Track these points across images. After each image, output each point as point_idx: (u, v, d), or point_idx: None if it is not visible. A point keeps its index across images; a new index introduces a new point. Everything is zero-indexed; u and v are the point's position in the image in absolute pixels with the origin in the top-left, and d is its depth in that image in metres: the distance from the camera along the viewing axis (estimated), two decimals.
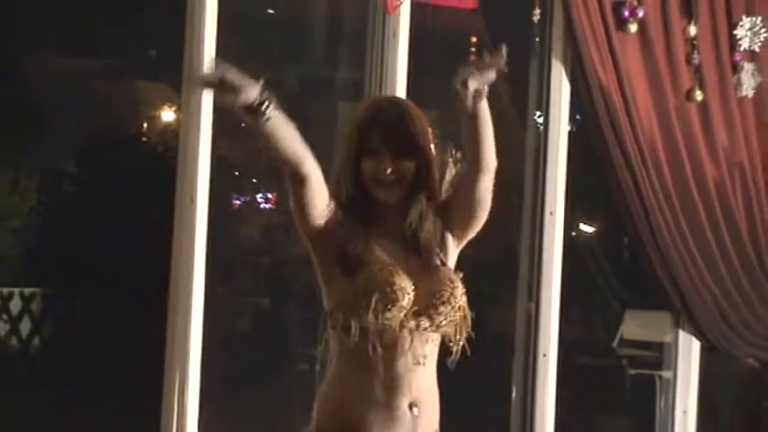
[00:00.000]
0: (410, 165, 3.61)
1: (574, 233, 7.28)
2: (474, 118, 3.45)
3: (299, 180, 3.52)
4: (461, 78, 3.34)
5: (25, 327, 9.91)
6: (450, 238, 3.71)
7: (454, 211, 3.71)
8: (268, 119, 3.37)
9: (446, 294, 3.56)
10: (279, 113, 3.38)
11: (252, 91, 3.35)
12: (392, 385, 3.56)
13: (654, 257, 6.32)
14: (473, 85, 3.34)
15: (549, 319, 6.31)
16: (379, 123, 3.66)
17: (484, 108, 3.45)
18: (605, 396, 7.50)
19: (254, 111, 3.38)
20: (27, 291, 9.72)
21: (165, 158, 6.06)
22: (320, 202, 3.58)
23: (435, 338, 3.59)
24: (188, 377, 5.58)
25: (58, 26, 7.91)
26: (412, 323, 3.54)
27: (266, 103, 3.36)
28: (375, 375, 3.57)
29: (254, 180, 7.64)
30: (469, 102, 3.35)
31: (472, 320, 3.59)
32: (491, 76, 3.38)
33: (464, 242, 3.77)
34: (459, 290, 3.59)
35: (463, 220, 3.72)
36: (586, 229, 7.56)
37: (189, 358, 5.58)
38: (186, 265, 5.57)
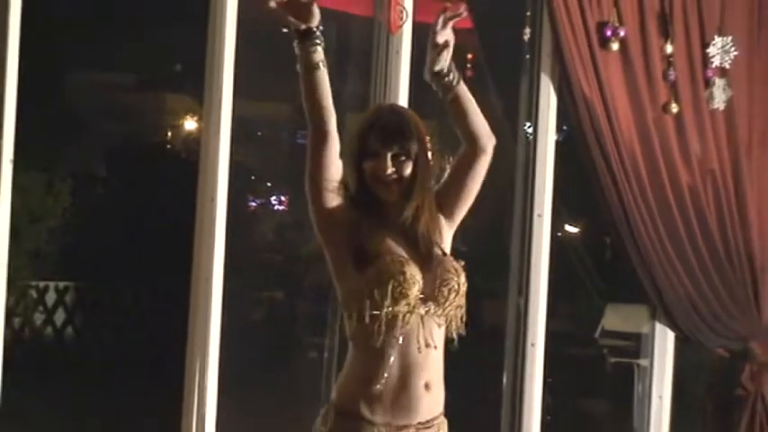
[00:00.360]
0: (409, 164, 3.61)
1: (560, 234, 7.28)
2: (456, 97, 3.60)
3: (322, 134, 3.58)
4: (432, 43, 3.57)
5: (59, 317, 9.90)
6: (443, 223, 3.74)
7: (450, 192, 3.76)
8: (315, 49, 3.54)
9: (452, 282, 3.58)
10: (323, 59, 3.53)
11: (313, 17, 3.52)
12: (409, 367, 3.58)
13: (633, 256, 6.32)
14: (442, 38, 3.58)
15: (537, 312, 6.31)
16: (379, 127, 3.68)
17: (463, 87, 3.61)
18: (588, 382, 7.50)
19: (308, 36, 3.54)
20: (61, 284, 9.71)
21: (188, 163, 6.05)
22: (334, 169, 3.62)
23: (442, 323, 3.61)
24: (208, 363, 5.59)
25: (93, 44, 7.90)
26: (422, 309, 3.55)
27: (319, 33, 3.52)
28: (392, 358, 3.57)
29: (269, 184, 7.64)
30: (447, 58, 3.58)
31: (468, 312, 3.62)
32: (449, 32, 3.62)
33: (456, 223, 3.80)
34: (463, 277, 3.62)
35: (459, 200, 3.77)
36: (571, 230, 7.57)
37: (209, 346, 5.58)
38: (206, 260, 5.58)
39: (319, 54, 3.57)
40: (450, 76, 3.68)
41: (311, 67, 3.60)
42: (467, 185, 3.76)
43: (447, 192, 3.78)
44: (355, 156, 3.68)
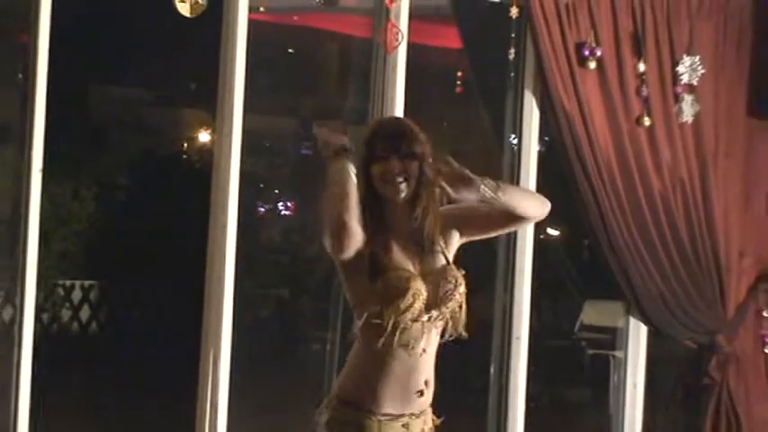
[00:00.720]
0: (414, 165, 3.57)
1: (542, 236, 7.27)
2: (503, 203, 3.52)
3: (343, 237, 3.49)
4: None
5: (84, 313, 9.89)
6: (456, 236, 3.70)
7: (479, 223, 3.71)
8: (347, 158, 3.48)
9: (454, 293, 3.56)
10: (353, 168, 3.48)
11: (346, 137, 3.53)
12: (410, 368, 3.55)
13: (609, 257, 6.31)
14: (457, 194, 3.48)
15: (521, 308, 6.30)
16: (383, 133, 3.66)
17: (507, 190, 3.54)
18: (568, 372, 7.49)
19: (345, 152, 3.49)
20: (86, 283, 9.70)
21: (202, 172, 6.05)
22: (355, 249, 3.54)
23: (440, 326, 3.59)
24: (220, 354, 5.57)
25: (117, 62, 7.92)
26: (424, 317, 3.53)
27: (348, 151, 3.48)
28: (395, 360, 3.55)
29: (276, 191, 7.63)
30: (470, 191, 3.45)
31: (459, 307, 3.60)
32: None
33: (468, 240, 3.75)
34: (462, 287, 3.59)
35: (482, 232, 3.74)
36: (553, 232, 7.57)
37: (221, 339, 5.57)
38: (219, 261, 5.56)
39: (348, 162, 3.57)
40: (486, 194, 3.56)
41: (348, 176, 3.56)
42: (494, 228, 3.77)
43: (476, 220, 3.73)
44: (363, 162, 3.64)
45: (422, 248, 3.60)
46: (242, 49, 5.54)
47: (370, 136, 3.66)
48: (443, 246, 3.64)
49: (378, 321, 3.49)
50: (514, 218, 3.62)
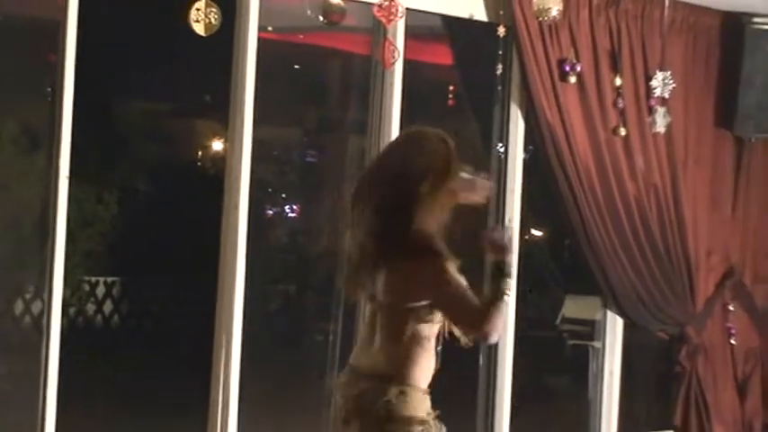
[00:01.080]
0: None
1: (527, 237, 7.27)
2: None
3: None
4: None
5: (107, 307, 9.91)
6: None
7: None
8: (508, 282, 3.51)
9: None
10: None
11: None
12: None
13: (588, 255, 6.31)
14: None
15: (508, 303, 6.30)
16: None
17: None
18: (550, 361, 7.49)
19: (506, 268, 3.53)
20: (110, 279, 9.71)
21: (215, 178, 6.07)
22: None
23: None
24: (232, 343, 5.56)
25: (137, 77, 7.93)
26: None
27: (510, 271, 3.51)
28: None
29: (283, 195, 7.63)
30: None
31: None
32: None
33: None
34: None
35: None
36: (537, 233, 7.56)
37: (233, 329, 5.55)
38: (231, 259, 5.55)
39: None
40: (500, 285, 3.60)
41: (504, 290, 3.59)
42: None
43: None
44: (444, 176, 3.54)
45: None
46: (251, 65, 5.53)
47: (448, 153, 3.55)
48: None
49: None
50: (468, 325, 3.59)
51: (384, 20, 5.82)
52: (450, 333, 3.64)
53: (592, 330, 7.19)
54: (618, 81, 6.51)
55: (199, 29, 5.27)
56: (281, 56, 6.12)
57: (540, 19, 6.16)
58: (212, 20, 5.28)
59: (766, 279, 7.52)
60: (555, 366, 7.41)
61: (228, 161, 5.64)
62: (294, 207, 7.77)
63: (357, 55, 6.31)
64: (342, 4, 5.89)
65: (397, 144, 4.01)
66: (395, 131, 5.93)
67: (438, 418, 3.61)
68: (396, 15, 5.82)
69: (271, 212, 7.37)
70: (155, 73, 7.85)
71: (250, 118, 5.57)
